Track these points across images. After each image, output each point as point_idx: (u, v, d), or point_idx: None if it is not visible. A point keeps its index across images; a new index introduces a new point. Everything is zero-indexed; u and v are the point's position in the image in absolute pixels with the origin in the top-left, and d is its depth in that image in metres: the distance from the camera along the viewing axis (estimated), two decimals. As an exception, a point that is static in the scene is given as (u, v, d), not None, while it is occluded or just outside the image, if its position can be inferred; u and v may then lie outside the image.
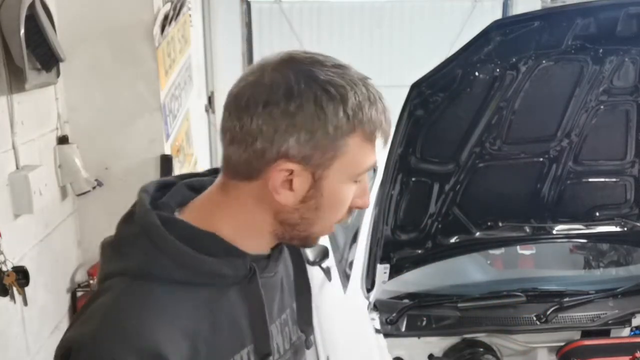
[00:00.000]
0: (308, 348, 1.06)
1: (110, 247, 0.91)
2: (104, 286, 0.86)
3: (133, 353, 0.78)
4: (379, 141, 0.88)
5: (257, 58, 6.04)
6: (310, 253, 2.42)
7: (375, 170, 0.81)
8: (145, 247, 0.85)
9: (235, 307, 0.89)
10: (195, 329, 0.84)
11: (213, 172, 0.99)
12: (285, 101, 0.82)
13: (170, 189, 0.95)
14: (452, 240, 2.07)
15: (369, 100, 0.84)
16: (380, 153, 0.92)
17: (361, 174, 0.88)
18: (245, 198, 0.88)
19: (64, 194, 2.03)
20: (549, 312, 2.00)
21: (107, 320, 0.80)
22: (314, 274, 2.52)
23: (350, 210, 0.91)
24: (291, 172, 0.84)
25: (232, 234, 0.88)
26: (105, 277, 0.88)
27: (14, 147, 1.67)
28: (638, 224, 2.15)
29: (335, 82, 0.83)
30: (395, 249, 1.99)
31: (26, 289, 1.59)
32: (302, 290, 1.04)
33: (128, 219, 0.91)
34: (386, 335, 1.90)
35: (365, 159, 0.87)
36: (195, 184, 0.96)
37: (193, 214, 0.89)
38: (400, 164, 1.82)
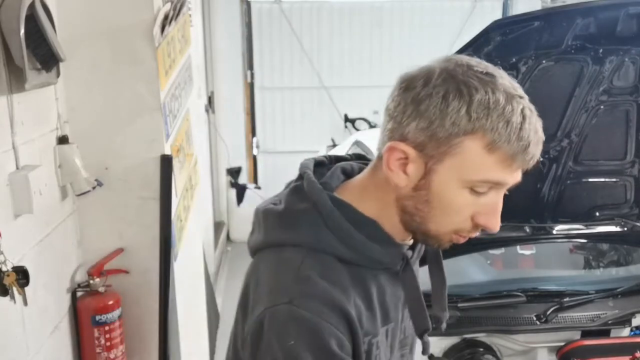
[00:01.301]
0: (442, 331, 1.17)
1: (278, 217, 0.96)
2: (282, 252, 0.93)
3: (327, 307, 0.86)
4: (516, 164, 0.86)
5: (257, 58, 6.06)
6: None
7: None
8: (316, 223, 0.92)
9: (382, 288, 0.97)
10: (358, 303, 0.91)
11: (356, 158, 1.06)
12: (420, 88, 0.86)
13: (323, 168, 1.02)
14: (452, 240, 2.07)
15: (504, 111, 0.84)
16: (515, 176, 0.89)
17: (474, 182, 0.87)
18: (382, 179, 0.93)
19: (64, 194, 2.03)
20: (549, 312, 2.01)
21: (297, 283, 0.88)
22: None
23: (475, 225, 0.90)
24: (406, 156, 0.88)
25: (379, 218, 0.94)
26: (268, 245, 0.95)
27: (14, 147, 1.67)
28: (638, 224, 2.15)
29: (470, 84, 0.85)
30: (395, 249, 1.99)
31: (26, 289, 1.59)
32: (438, 279, 1.10)
33: (297, 193, 0.96)
34: (386, 335, 1.90)
35: (480, 169, 0.85)
36: (347, 168, 1.02)
37: (348, 197, 0.95)
38: (400, 164, 1.82)
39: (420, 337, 1.04)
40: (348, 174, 1.02)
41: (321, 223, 0.92)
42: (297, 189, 0.98)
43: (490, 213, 0.89)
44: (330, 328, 0.85)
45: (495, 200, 0.89)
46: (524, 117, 0.85)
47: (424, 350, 1.07)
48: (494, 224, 0.90)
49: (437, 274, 1.11)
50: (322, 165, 1.03)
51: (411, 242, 1.01)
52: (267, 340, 0.87)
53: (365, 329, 0.93)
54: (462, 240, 0.94)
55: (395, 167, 0.90)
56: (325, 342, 0.85)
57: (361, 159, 1.07)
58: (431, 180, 0.88)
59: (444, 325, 1.15)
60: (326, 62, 6.02)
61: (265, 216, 0.99)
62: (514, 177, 0.89)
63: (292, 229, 0.94)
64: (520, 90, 0.88)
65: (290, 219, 0.95)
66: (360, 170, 1.01)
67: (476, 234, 0.92)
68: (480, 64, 0.88)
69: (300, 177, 0.99)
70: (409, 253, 0.99)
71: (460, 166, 0.86)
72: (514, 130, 0.84)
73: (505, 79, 0.88)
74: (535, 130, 0.86)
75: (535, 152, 0.87)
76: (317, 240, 0.92)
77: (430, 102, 0.85)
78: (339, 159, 1.06)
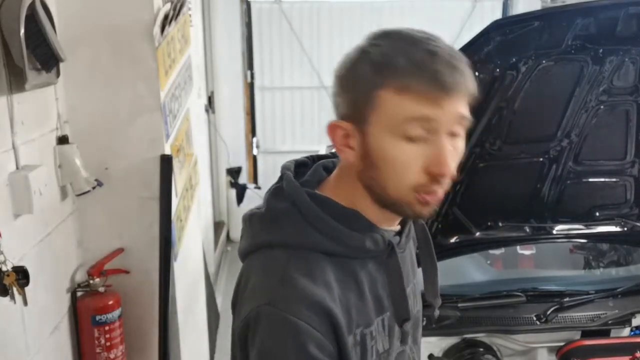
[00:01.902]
0: (435, 317, 1.13)
1: (260, 220, 0.99)
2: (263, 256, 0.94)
3: (309, 308, 0.86)
4: (433, 94, 0.85)
5: (257, 58, 6.06)
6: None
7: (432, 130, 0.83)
8: (298, 222, 0.93)
9: (374, 278, 0.97)
10: (347, 296, 0.92)
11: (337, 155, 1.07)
12: (341, 69, 0.92)
13: (305, 168, 1.04)
14: (452, 240, 2.07)
15: (406, 53, 0.85)
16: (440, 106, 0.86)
17: (401, 126, 0.86)
18: (346, 166, 0.96)
19: (64, 194, 2.03)
20: (549, 312, 2.00)
21: (280, 284, 0.89)
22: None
23: (433, 178, 0.89)
24: (346, 131, 0.91)
25: (356, 206, 0.96)
26: (256, 247, 0.96)
27: (14, 147, 1.67)
28: (638, 224, 2.15)
29: (374, 43, 0.89)
30: (395, 249, 1.99)
31: (26, 289, 1.59)
32: (429, 265, 1.09)
33: (277, 195, 0.99)
34: (386, 335, 1.90)
35: (401, 111, 0.86)
36: (329, 165, 1.05)
37: (328, 192, 0.98)
38: (400, 164, 1.82)
39: (400, 325, 1.02)
40: (330, 171, 1.04)
41: (302, 220, 0.93)
42: (277, 190, 1.00)
43: (438, 159, 0.87)
44: (309, 329, 0.86)
45: (441, 146, 0.87)
46: (429, 52, 0.86)
47: (403, 339, 1.05)
48: (445, 169, 0.87)
49: (428, 260, 1.10)
50: (305, 165, 1.06)
51: (398, 227, 1.02)
52: (250, 341, 0.89)
53: (355, 320, 0.93)
54: (430, 200, 0.91)
55: (342, 146, 0.93)
56: (303, 344, 0.85)
57: None
58: (369, 143, 0.89)
59: (436, 312, 1.14)
60: (326, 62, 6.01)
61: (250, 221, 1.01)
62: (445, 111, 0.86)
63: (275, 230, 0.95)
64: (431, 35, 0.89)
65: (272, 219, 0.97)
66: None
67: (441, 188, 0.91)
68: (395, 28, 0.92)
69: (281, 178, 1.01)
70: (396, 239, 1.00)
71: (384, 117, 0.87)
72: (419, 65, 0.85)
73: (414, 30, 0.90)
74: (446, 59, 0.86)
75: (453, 75, 0.85)
76: (301, 238, 0.93)
77: (347, 75, 0.91)
78: (321, 157, 1.07)
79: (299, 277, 0.89)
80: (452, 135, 0.89)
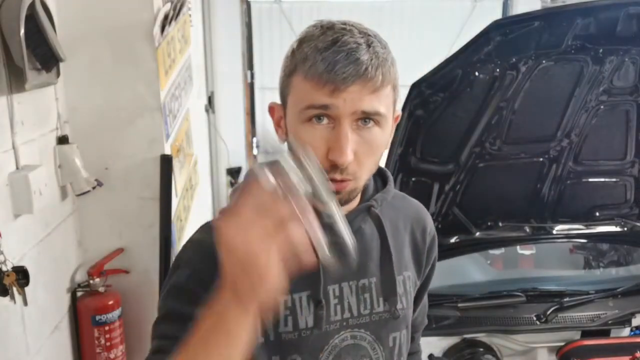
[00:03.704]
0: (395, 318, 1.07)
1: None
2: None
3: (193, 249, 0.97)
4: (322, 82, 0.86)
5: (257, 58, 6.05)
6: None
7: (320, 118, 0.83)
8: None
9: None
10: None
11: None
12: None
13: None
14: (452, 240, 2.07)
15: (315, 40, 0.89)
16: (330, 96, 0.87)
17: (305, 111, 0.89)
18: None
19: (64, 194, 2.03)
20: (549, 312, 2.00)
21: (196, 233, 1.01)
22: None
23: (332, 164, 0.89)
24: (280, 113, 0.96)
25: None
26: None
27: (14, 147, 1.67)
28: (638, 224, 2.15)
29: (305, 30, 0.93)
30: (395, 249, 1.99)
31: (26, 289, 1.59)
32: (385, 262, 1.06)
33: None
34: (386, 335, 1.89)
35: (304, 97, 0.89)
36: None
37: None
38: (400, 164, 1.82)
39: (315, 306, 1.00)
40: None
41: None
42: None
43: (334, 147, 0.88)
44: (187, 260, 0.96)
45: (339, 134, 0.88)
46: (333, 42, 0.87)
47: (351, 329, 1.04)
48: (341, 158, 0.88)
49: (384, 253, 1.06)
50: None
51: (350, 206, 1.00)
52: None
53: None
54: (333, 186, 0.91)
55: (276, 126, 0.98)
56: (175, 268, 0.97)
57: None
58: (287, 125, 0.93)
59: (394, 313, 1.07)
60: (326, 62, 6.01)
61: None
62: (346, 100, 0.87)
63: None
64: (353, 26, 0.91)
65: None
66: None
67: (339, 175, 0.90)
68: (332, 19, 0.94)
69: None
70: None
71: (294, 101, 0.91)
72: (320, 53, 0.87)
73: (344, 21, 0.92)
74: (347, 50, 0.86)
75: (349, 66, 0.86)
76: None
77: (284, 60, 0.95)
78: None
79: (204, 233, 0.97)
80: (359, 125, 0.90)
